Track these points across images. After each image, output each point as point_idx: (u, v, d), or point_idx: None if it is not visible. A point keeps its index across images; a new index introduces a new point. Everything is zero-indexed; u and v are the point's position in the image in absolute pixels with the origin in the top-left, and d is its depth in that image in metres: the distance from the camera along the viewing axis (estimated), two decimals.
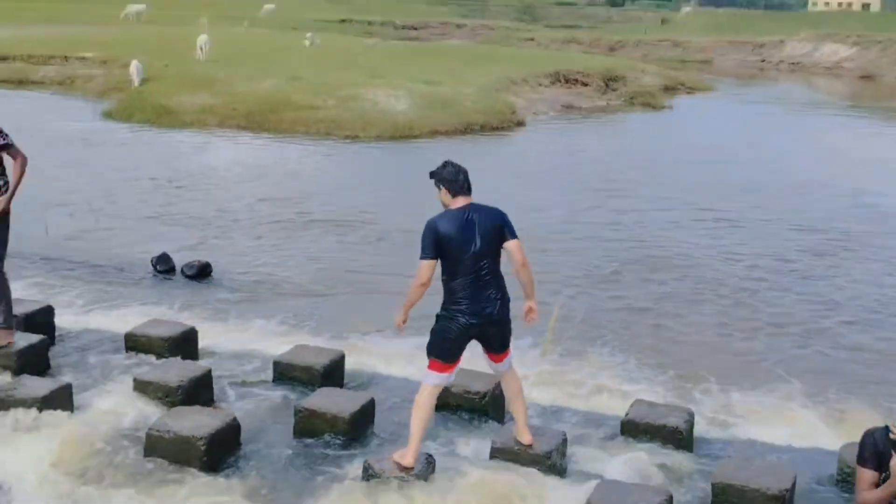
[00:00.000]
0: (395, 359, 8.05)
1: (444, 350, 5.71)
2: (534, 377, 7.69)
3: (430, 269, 5.59)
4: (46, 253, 11.53)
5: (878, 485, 4.90)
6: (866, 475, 4.94)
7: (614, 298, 10.62)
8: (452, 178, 5.72)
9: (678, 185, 17.33)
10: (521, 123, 24.15)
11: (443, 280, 5.69)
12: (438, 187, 5.75)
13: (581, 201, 15.67)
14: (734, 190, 16.89)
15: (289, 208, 14.41)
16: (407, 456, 5.77)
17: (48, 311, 8.22)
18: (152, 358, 7.55)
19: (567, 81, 30.07)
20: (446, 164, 5.80)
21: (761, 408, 7.59)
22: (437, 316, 5.75)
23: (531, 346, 8.50)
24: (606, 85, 30.43)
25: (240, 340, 8.47)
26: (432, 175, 5.78)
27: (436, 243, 5.58)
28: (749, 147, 22.16)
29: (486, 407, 6.78)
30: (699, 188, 16.99)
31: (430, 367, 5.76)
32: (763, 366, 8.71)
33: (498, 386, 6.70)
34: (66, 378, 7.08)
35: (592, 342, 9.04)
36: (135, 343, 7.78)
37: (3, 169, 7.19)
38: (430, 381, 5.76)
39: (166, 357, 7.48)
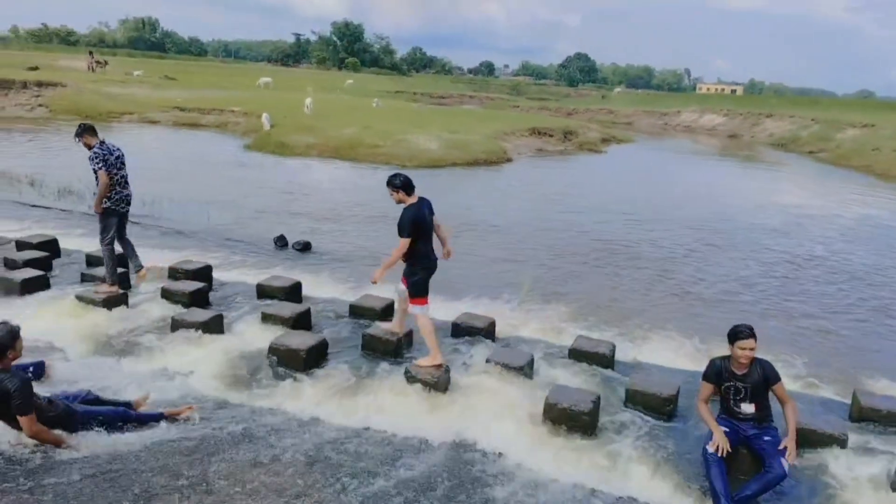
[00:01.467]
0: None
1: (424, 290, 5.83)
2: (513, 320, 7.59)
3: (408, 244, 5.65)
4: (208, 232, 11.65)
5: (710, 399, 4.86)
6: (706, 388, 4.99)
7: (569, 272, 10.32)
8: (409, 183, 5.73)
9: (612, 197, 17.08)
10: (509, 160, 23.85)
11: (413, 249, 5.65)
12: (396, 190, 5.67)
13: (544, 207, 15.43)
14: (650, 200, 16.64)
15: (364, 208, 14.38)
16: (436, 357, 5.81)
17: (208, 268, 8.30)
18: (273, 301, 7.58)
19: (540, 134, 30.02)
20: (398, 175, 5.72)
21: (658, 339, 7.54)
22: (414, 272, 5.73)
23: (508, 301, 8.44)
24: (565, 136, 30.42)
25: (328, 290, 8.46)
26: (392, 182, 5.67)
27: (413, 225, 5.64)
28: (658, 174, 22.05)
29: (483, 332, 6.76)
30: (627, 199, 16.72)
31: (419, 303, 5.82)
32: (664, 309, 8.58)
33: (492, 322, 6.87)
34: (220, 310, 7.21)
35: (554, 298, 8.83)
36: (262, 291, 7.80)
37: (126, 183, 7.15)
38: (421, 311, 5.86)
39: (281, 300, 7.65)
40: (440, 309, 7.72)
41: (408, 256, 5.72)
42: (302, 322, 6.96)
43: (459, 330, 6.85)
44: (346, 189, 17.01)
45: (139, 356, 6.26)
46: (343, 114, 30.34)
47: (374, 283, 5.72)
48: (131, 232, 8.01)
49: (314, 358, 6.18)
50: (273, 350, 6.17)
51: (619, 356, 6.70)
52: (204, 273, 8.19)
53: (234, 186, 16.20)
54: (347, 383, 5.87)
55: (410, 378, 5.79)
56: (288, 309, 7.06)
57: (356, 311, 7.36)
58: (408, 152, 22.16)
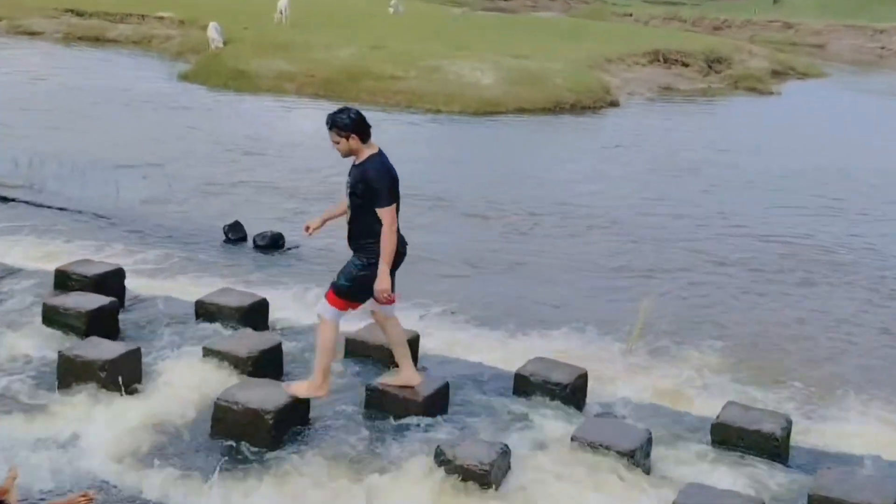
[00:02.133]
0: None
1: (368, 291, 6.18)
2: (617, 372, 7.67)
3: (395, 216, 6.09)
4: (119, 216, 11.78)
5: None
6: None
7: (717, 292, 10.39)
8: (364, 123, 6.08)
9: (789, 168, 16.86)
10: (614, 103, 23.70)
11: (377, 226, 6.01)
12: (344, 135, 6.03)
13: (673, 184, 15.46)
14: (858, 176, 16.39)
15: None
16: (320, 385, 6.27)
17: (118, 274, 8.35)
18: (223, 328, 7.66)
19: (666, 61, 29.40)
20: (346, 110, 6.09)
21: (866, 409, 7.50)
22: (370, 260, 6.07)
23: (611, 339, 8.54)
24: (710, 66, 29.69)
25: (308, 313, 8.34)
26: (337, 122, 6.04)
27: (393, 185, 6.07)
28: (870, 133, 21.53)
29: (567, 391, 6.81)
30: (817, 173, 16.45)
31: (340, 303, 6.21)
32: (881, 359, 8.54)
33: (582, 375, 6.93)
34: (135, 342, 7.17)
35: (689, 336, 8.91)
36: (204, 312, 7.86)
37: None
38: (333, 315, 6.24)
39: (235, 327, 7.60)
40: (494, 349, 7.99)
41: (367, 234, 6.11)
42: (267, 364, 6.98)
43: (528, 385, 6.90)
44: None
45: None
46: (338, 24, 30.23)
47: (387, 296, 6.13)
48: None
49: (287, 425, 6.19)
50: (221, 411, 6.18)
51: (796, 438, 6.62)
52: (111, 281, 8.24)
53: (163, 143, 16.40)
54: (340, 470, 5.88)
55: (444, 462, 5.74)
56: (245, 343, 7.11)
57: (356, 350, 7.39)
58: (444, 89, 21.92)
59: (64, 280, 8.22)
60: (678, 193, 14.96)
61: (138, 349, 6.91)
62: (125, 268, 8.63)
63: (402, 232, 6.20)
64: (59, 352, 6.76)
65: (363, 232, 6.13)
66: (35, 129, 16.45)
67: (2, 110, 17.74)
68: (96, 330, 7.29)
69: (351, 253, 6.28)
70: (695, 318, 9.48)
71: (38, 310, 7.68)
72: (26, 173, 13.14)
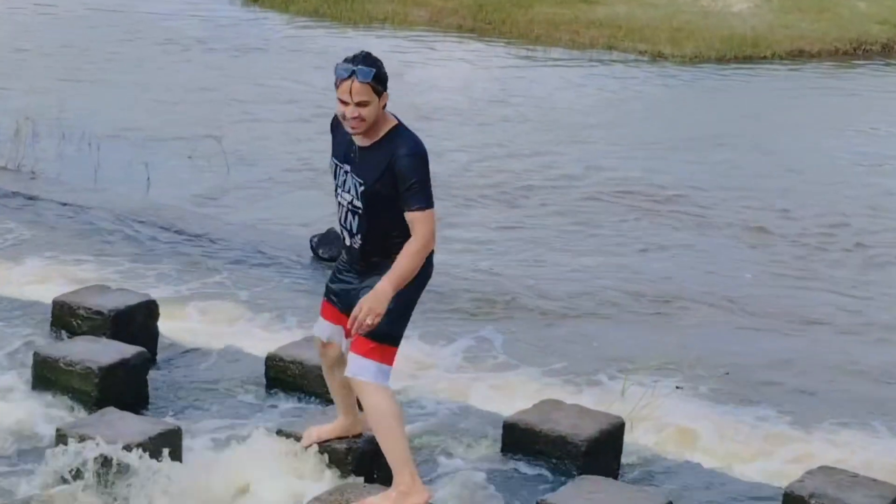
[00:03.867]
0: None
1: (404, 325, 6.56)
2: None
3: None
4: (148, 216, 12.11)
5: None
6: None
7: None
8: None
9: None
10: None
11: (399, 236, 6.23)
12: (378, 92, 6.15)
13: None
14: None
15: (516, 166, 14.38)
16: (414, 489, 6.37)
17: (148, 308, 8.51)
18: (310, 398, 7.90)
19: None
20: (373, 58, 6.20)
21: None
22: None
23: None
24: None
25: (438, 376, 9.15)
26: (380, 74, 6.18)
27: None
28: None
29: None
30: None
31: (385, 357, 6.39)
32: None
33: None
34: (173, 418, 7.34)
35: None
36: (279, 373, 8.02)
37: None
38: (380, 377, 6.42)
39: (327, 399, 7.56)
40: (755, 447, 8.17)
41: (390, 246, 6.32)
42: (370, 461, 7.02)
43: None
44: (482, 119, 17.11)
45: None
46: None
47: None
48: None
49: None
50: None
51: None
52: (138, 320, 8.42)
53: (220, 105, 16.64)
54: None
55: None
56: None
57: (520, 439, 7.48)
58: (668, 20, 22.27)
59: (66, 317, 8.30)
60: None
61: (178, 430, 6.96)
62: (159, 299, 8.73)
63: None
64: (58, 429, 6.79)
65: (385, 244, 6.27)
66: (33, 79, 16.92)
67: None
68: (114, 397, 7.32)
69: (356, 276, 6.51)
70: None
71: (27, 365, 7.72)
72: (12, 148, 13.37)
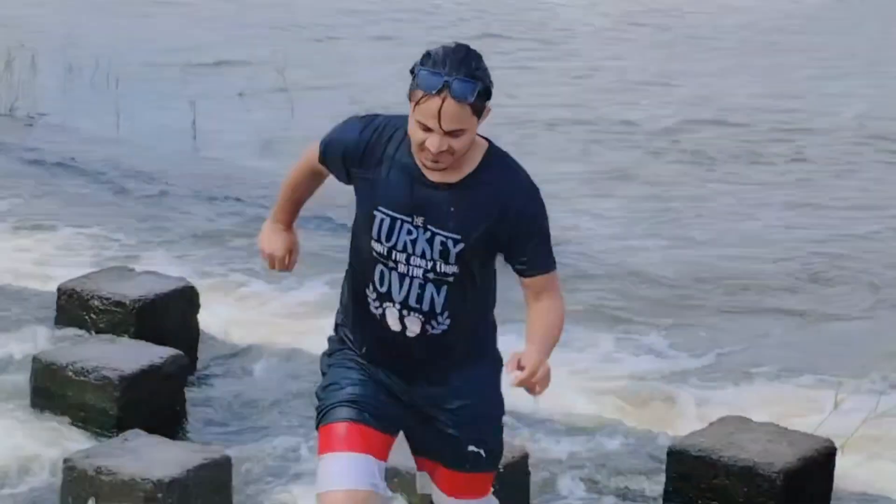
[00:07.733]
0: None
1: None
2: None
3: None
4: (181, 174, 12.32)
5: None
6: None
7: None
8: None
9: None
10: None
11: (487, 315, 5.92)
12: (477, 113, 5.44)
13: None
14: None
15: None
16: None
17: (185, 298, 8.82)
18: None
19: None
20: (465, 55, 5.40)
21: None
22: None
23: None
24: None
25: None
26: (483, 77, 5.47)
27: None
28: None
29: None
30: None
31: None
32: None
33: None
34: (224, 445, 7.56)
35: None
36: None
37: None
38: None
39: None
40: None
41: (473, 329, 5.91)
42: None
43: None
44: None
45: None
46: None
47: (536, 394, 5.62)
48: None
49: None
50: None
51: None
52: (172, 314, 8.79)
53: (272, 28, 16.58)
54: None
55: None
56: None
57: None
58: None
59: (76, 310, 8.59)
60: None
61: (227, 460, 7.06)
62: (199, 286, 9.00)
63: None
64: (66, 460, 6.90)
65: (476, 327, 5.86)
66: None
67: None
68: (140, 416, 7.50)
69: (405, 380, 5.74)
70: None
71: (25, 373, 7.95)
72: (2, 86, 13.66)
